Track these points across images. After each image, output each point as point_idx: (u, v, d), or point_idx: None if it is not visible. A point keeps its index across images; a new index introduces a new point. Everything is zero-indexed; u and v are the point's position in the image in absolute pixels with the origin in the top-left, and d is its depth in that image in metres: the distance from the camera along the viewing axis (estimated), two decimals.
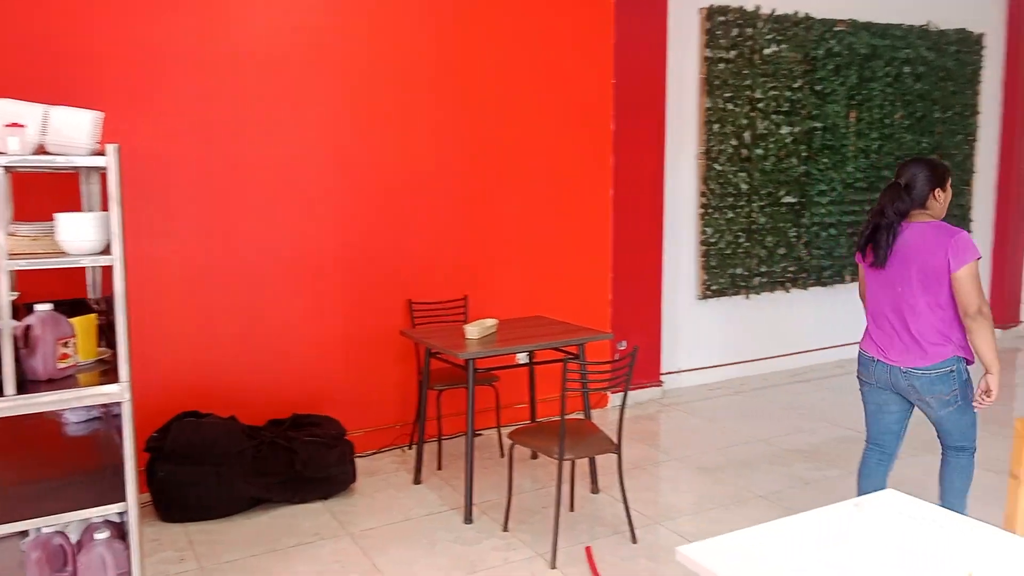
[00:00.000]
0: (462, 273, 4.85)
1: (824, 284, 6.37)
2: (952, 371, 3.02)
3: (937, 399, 3.06)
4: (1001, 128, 7.15)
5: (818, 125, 6.06)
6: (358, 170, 4.49)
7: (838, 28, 6.06)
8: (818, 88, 6.02)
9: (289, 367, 4.41)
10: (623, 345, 5.49)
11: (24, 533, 2.96)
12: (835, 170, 6.20)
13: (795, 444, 4.76)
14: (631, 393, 5.49)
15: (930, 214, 3.07)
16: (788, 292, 6.24)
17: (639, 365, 5.51)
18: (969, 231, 7.08)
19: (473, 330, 3.83)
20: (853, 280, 6.50)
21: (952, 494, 3.23)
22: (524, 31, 4.89)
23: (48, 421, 3.41)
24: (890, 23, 6.31)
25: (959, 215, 6.98)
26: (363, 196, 4.52)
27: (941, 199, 3.08)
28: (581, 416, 3.88)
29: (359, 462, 4.43)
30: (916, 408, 3.22)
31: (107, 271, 3.10)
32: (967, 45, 6.75)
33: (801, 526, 1.80)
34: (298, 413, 4.29)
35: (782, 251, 6.08)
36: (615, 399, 5.49)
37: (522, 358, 4.64)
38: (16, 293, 3.32)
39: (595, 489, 4.08)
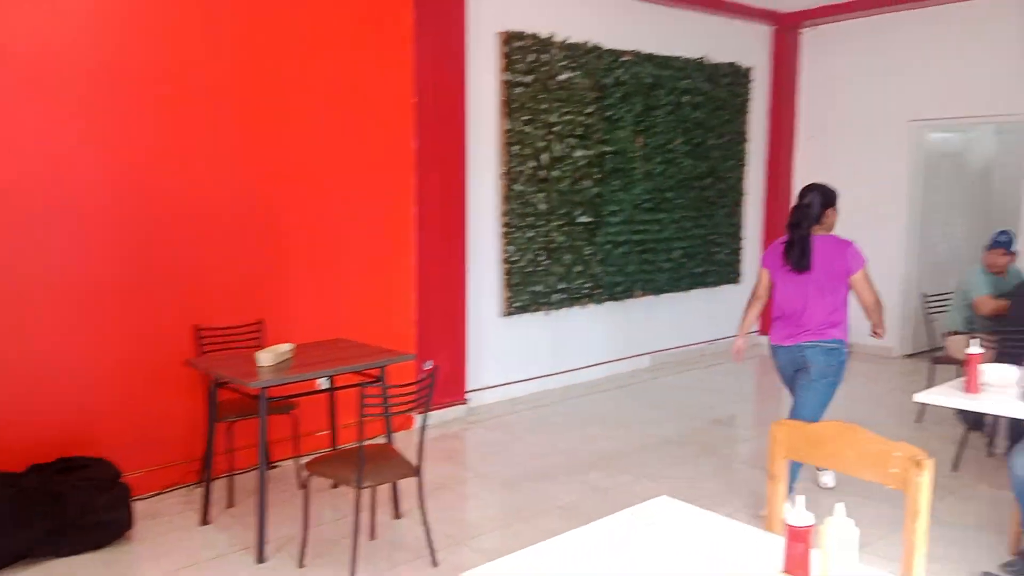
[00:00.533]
0: (256, 296, 4.60)
1: (617, 299, 6.71)
2: (836, 348, 3.84)
3: (819, 369, 3.84)
4: (767, 154, 7.94)
5: (609, 149, 6.40)
6: (136, 184, 4.13)
7: (625, 58, 6.45)
8: (608, 114, 6.36)
9: (55, 405, 3.96)
10: (429, 365, 5.46)
11: None
12: (624, 192, 6.58)
13: (590, 454, 4.95)
14: (437, 413, 5.50)
15: (824, 228, 3.90)
16: (585, 307, 6.51)
17: (444, 384, 5.54)
18: (740, 248, 7.79)
19: (265, 357, 3.64)
20: (644, 294, 6.91)
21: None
22: (322, 47, 4.76)
23: None
24: (671, 55, 6.82)
25: (731, 232, 7.65)
26: (143, 213, 4.17)
27: (831, 217, 3.93)
28: (384, 440, 3.79)
29: (140, 505, 4.06)
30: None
31: None
32: (738, 78, 7.44)
33: (580, 539, 1.84)
34: (65, 456, 3.86)
35: (579, 268, 6.35)
36: (419, 420, 5.43)
37: (322, 383, 4.47)
38: None
39: (397, 514, 4.01)
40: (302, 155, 4.75)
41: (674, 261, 7.11)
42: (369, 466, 3.29)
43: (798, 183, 8.00)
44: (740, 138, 7.56)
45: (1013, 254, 5.26)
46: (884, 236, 7.40)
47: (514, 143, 5.80)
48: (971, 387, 2.94)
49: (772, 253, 4.05)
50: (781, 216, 7.97)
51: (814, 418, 3.72)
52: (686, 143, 7.03)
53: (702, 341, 7.60)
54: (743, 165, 7.65)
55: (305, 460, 3.70)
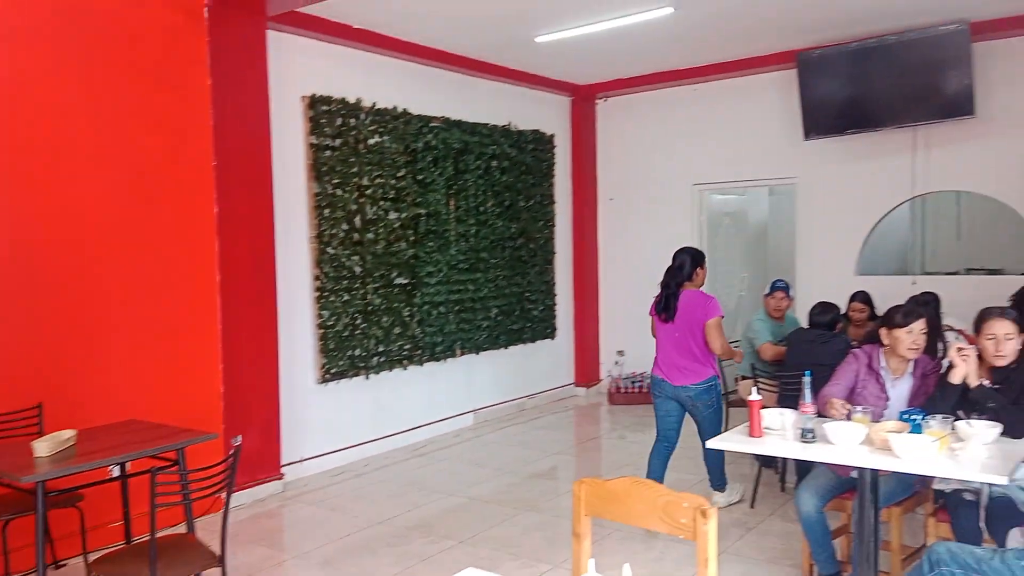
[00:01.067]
0: (34, 377, 4.17)
1: (437, 359, 6.73)
2: (712, 385, 4.69)
3: (703, 404, 4.68)
4: (573, 215, 8.37)
5: (422, 211, 6.49)
6: None
7: (434, 124, 6.61)
8: (420, 177, 6.46)
9: None
10: (238, 440, 5.16)
11: None
12: (440, 253, 6.67)
13: (413, 520, 4.86)
14: (250, 491, 5.20)
15: (694, 285, 4.70)
16: (405, 369, 6.47)
17: (257, 459, 5.26)
18: (554, 304, 8.10)
19: (42, 446, 3.28)
20: (464, 353, 6.98)
21: (714, 471, 4.91)
22: (115, 114, 4.49)
23: None
24: (478, 122, 7.08)
25: (545, 290, 7.95)
26: None
27: (700, 275, 4.73)
28: (183, 529, 3.51)
29: None
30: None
31: None
32: (541, 144, 7.84)
33: None
34: None
35: (397, 330, 6.31)
36: (231, 500, 5.10)
37: (115, 471, 4.10)
38: None
39: None
40: (94, 227, 4.42)
41: (491, 319, 7.26)
42: (164, 560, 3.03)
43: (603, 242, 8.50)
44: (548, 200, 7.93)
45: (791, 298, 5.84)
46: None
47: (324, 206, 5.73)
48: (754, 431, 3.20)
49: (653, 304, 4.85)
50: (590, 273, 8.41)
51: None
52: (497, 205, 7.27)
53: (522, 396, 7.77)
54: (552, 226, 8.01)
55: (94, 557, 3.35)
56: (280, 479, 5.45)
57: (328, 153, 5.76)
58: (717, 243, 8.18)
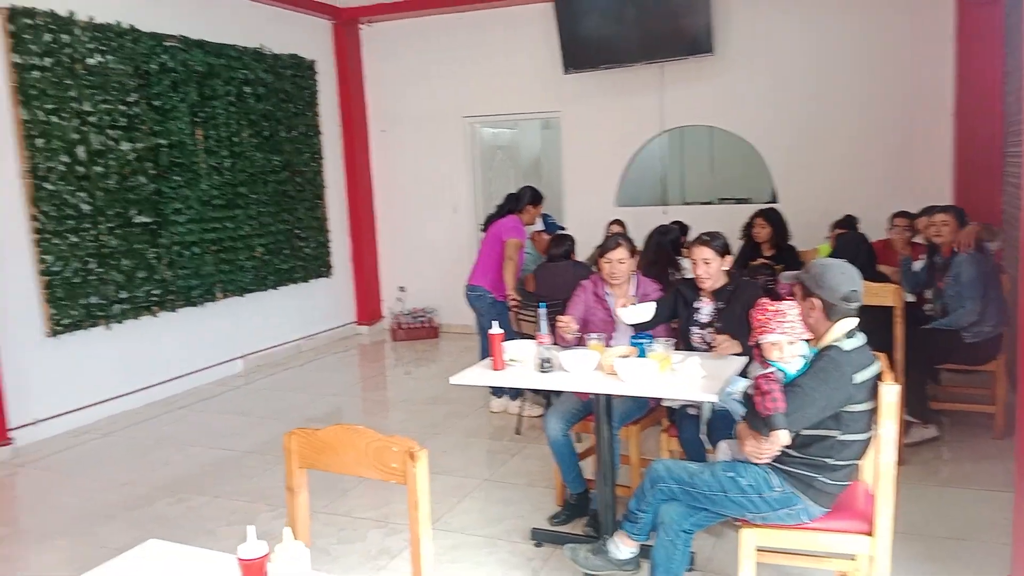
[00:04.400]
0: None
1: (195, 304, 6.23)
2: (480, 295, 5.39)
3: (476, 310, 5.46)
4: (343, 147, 8.00)
5: (163, 142, 5.86)
6: None
7: (169, 43, 5.92)
8: (157, 103, 5.80)
9: None
10: None
11: None
12: (189, 188, 6.10)
13: (163, 479, 4.51)
14: None
15: (523, 217, 5.43)
16: (156, 316, 5.93)
17: None
18: (328, 241, 7.77)
19: None
20: (225, 296, 6.52)
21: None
22: None
23: None
24: (224, 43, 6.45)
25: (316, 226, 7.60)
26: None
27: (531, 212, 5.47)
28: None
29: None
30: None
31: None
32: (301, 70, 7.33)
33: None
34: None
35: (142, 274, 5.74)
36: None
37: None
38: None
39: None
40: None
41: (257, 259, 6.82)
42: None
43: (378, 175, 8.24)
44: (313, 131, 7.50)
45: (550, 234, 5.97)
46: (455, 222, 7.98)
47: (37, 135, 4.99)
48: (496, 364, 3.21)
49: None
50: (365, 207, 8.15)
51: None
52: (254, 136, 6.75)
53: (298, 338, 7.45)
54: (320, 158, 7.61)
55: None
56: (9, 445, 4.84)
57: (36, 74, 4.98)
58: (491, 177, 8.21)
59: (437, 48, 7.76)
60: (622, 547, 2.91)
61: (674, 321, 3.71)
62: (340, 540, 3.67)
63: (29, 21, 4.93)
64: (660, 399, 3.59)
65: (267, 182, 6.90)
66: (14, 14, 4.86)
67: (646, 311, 3.45)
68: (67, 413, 5.34)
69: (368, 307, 8.27)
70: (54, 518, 4.05)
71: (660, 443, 3.64)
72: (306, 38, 7.46)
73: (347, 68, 7.88)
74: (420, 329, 7.87)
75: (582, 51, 6.88)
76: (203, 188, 6.23)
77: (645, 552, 2.90)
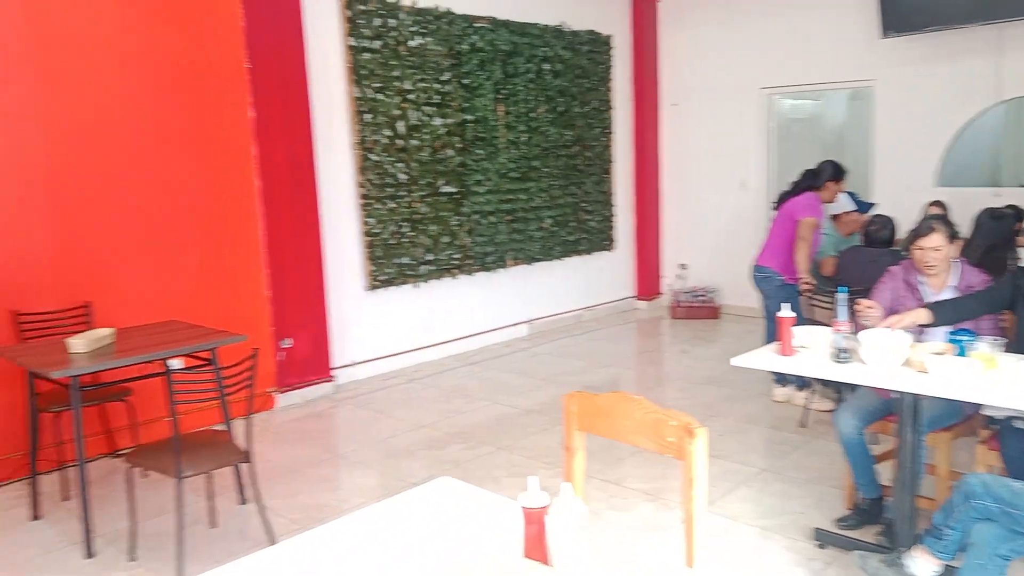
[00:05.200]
0: (81, 278, 4.32)
1: (488, 269, 6.68)
2: (767, 277, 5.09)
3: (762, 292, 5.18)
4: (634, 121, 8.01)
5: (469, 117, 6.31)
6: None
7: (479, 24, 6.34)
8: (466, 82, 6.26)
9: None
10: (288, 343, 5.30)
11: None
12: (489, 161, 6.52)
13: (454, 426, 4.92)
14: (302, 391, 5.36)
15: (822, 194, 5.03)
16: (455, 279, 6.45)
17: (307, 361, 5.40)
18: (612, 215, 7.87)
19: (78, 343, 3.40)
20: (516, 263, 6.90)
21: None
22: (146, 15, 4.45)
23: None
24: (527, 22, 6.75)
25: (602, 200, 7.73)
26: None
27: (831, 188, 5.03)
28: (222, 426, 3.63)
29: None
30: None
31: None
32: (597, 45, 7.44)
33: (342, 531, 1.79)
34: None
35: (446, 239, 6.27)
36: (283, 399, 5.30)
37: (175, 364, 4.25)
38: None
39: (242, 500, 3.87)
40: (134, 132, 4.46)
41: (545, 230, 7.12)
42: (191, 454, 3.15)
43: (666, 150, 8.15)
44: (605, 106, 7.60)
45: (862, 215, 5.47)
46: (744, 200, 7.64)
47: (366, 111, 5.63)
48: (784, 349, 3.03)
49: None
50: (651, 182, 8.11)
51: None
52: (550, 111, 7.01)
53: (580, 308, 7.68)
54: (610, 133, 7.70)
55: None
56: (331, 381, 5.59)
57: (367, 56, 5.61)
58: (788, 151, 7.72)
59: (737, 17, 7.43)
60: (922, 563, 2.61)
61: (1004, 317, 3.22)
62: (610, 507, 3.73)
63: (363, 7, 5.56)
64: (980, 406, 3.15)
65: (559, 156, 7.15)
66: (351, 1, 5.50)
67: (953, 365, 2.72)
68: (378, 359, 6.02)
69: (648, 282, 8.26)
70: (365, 449, 4.61)
71: (975, 455, 3.21)
72: (604, 13, 7.55)
73: (642, 42, 7.86)
74: (700, 308, 7.70)
75: (904, 12, 6.16)
76: (501, 161, 6.62)
77: (949, 573, 2.58)
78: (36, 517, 3.73)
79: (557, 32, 7.02)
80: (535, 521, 1.43)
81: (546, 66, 6.92)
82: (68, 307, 4.22)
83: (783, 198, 5.20)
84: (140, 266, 4.56)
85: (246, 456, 3.28)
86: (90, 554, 3.36)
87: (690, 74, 7.85)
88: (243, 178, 4.98)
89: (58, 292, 4.23)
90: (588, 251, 7.65)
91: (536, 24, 6.83)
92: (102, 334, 3.55)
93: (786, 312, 3.06)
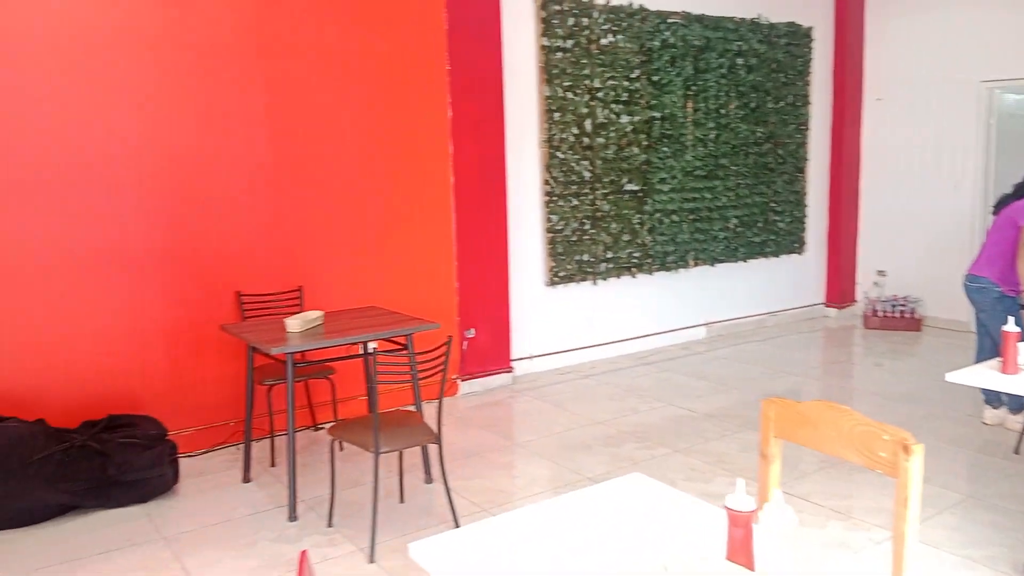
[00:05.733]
0: (295, 263, 4.72)
1: (668, 269, 6.59)
2: (984, 288, 4.49)
3: (977, 306, 4.58)
4: (832, 117, 7.58)
5: (657, 115, 6.24)
6: (176, 157, 4.28)
7: (672, 20, 6.25)
8: (655, 79, 6.19)
9: (104, 365, 4.18)
10: (471, 333, 5.51)
11: None
12: (675, 158, 6.41)
13: (630, 425, 4.91)
14: (482, 380, 5.56)
15: None
16: (634, 277, 6.42)
17: (488, 352, 5.59)
18: (804, 216, 7.50)
19: (294, 323, 3.73)
20: (696, 264, 6.76)
21: None
22: (353, 16, 4.78)
23: None
24: (722, 16, 6.57)
25: (794, 200, 7.38)
26: (184, 184, 4.32)
27: None
28: (413, 408, 3.85)
29: (186, 462, 4.27)
30: None
31: None
32: (796, 38, 7.10)
33: (536, 516, 1.84)
34: (114, 414, 4.08)
35: (627, 237, 6.25)
36: (465, 386, 5.51)
37: (370, 347, 4.58)
38: None
39: (428, 479, 4.08)
40: (342, 129, 4.81)
41: (730, 230, 6.91)
42: (388, 432, 3.35)
43: (867, 148, 7.64)
44: (801, 101, 7.24)
45: None
46: (955, 203, 7.01)
47: (555, 110, 5.72)
48: (1008, 367, 2.76)
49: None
50: (850, 182, 7.64)
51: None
52: (741, 107, 6.78)
53: (762, 312, 7.40)
54: (805, 129, 7.33)
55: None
56: (510, 372, 5.75)
57: (559, 55, 5.70)
58: (1009, 151, 7.00)
59: (956, 3, 6.82)
60: None
61: None
62: (800, 522, 3.58)
63: (558, 7, 5.65)
64: None
65: (748, 154, 6.91)
66: (547, 2, 5.61)
67: None
68: (554, 353, 6.12)
69: (840, 289, 7.79)
70: (542, 440, 4.70)
71: None
72: (805, 4, 7.20)
73: (845, 33, 7.40)
74: (899, 319, 7.16)
75: None
76: (687, 159, 6.50)
77: None
78: (247, 480, 4.12)
79: (753, 25, 6.78)
80: (741, 524, 1.40)
81: (739, 61, 6.71)
82: (283, 290, 4.64)
83: (1003, 202, 4.74)
84: (345, 255, 4.91)
85: (437, 438, 3.45)
86: (293, 517, 3.67)
87: (898, 66, 7.30)
88: (439, 175, 5.23)
89: (275, 276, 4.65)
90: (775, 253, 7.34)
91: (731, 18, 6.63)
92: (313, 316, 3.86)
93: (1011, 327, 2.79)
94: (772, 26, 6.91)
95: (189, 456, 4.37)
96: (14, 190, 3.88)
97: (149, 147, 4.21)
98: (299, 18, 4.60)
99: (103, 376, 4.18)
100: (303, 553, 1.50)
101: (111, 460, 3.73)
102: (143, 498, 3.84)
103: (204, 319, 4.43)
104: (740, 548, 1.41)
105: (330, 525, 3.61)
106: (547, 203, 5.83)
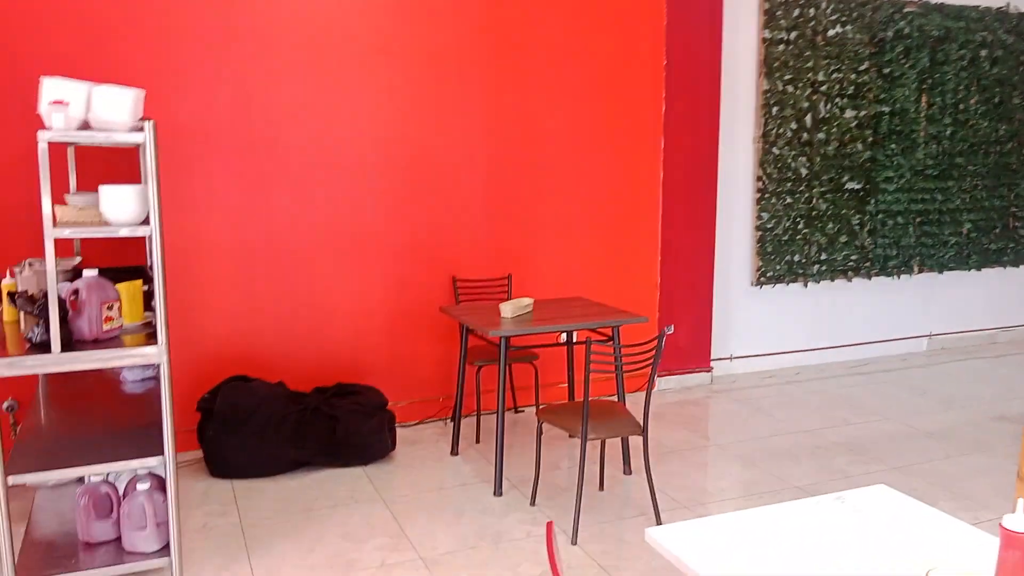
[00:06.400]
0: (506, 252, 4.92)
1: (889, 274, 6.15)
2: None
3: None
4: None
5: (885, 109, 5.84)
6: (402, 147, 4.59)
7: (908, 9, 5.80)
8: (886, 71, 5.78)
9: (335, 337, 4.58)
10: (671, 329, 5.45)
11: (81, 480, 3.22)
12: (903, 156, 5.97)
13: (841, 437, 4.66)
14: (680, 378, 5.51)
15: None
16: (850, 281, 6.06)
17: (688, 350, 5.52)
18: None
19: (508, 309, 3.90)
20: (921, 271, 6.26)
21: None
22: (571, 10, 4.88)
23: (109, 379, 3.69)
24: (965, 4, 6.01)
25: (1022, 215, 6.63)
26: (408, 173, 4.63)
27: None
28: (614, 398, 3.90)
29: (402, 432, 4.59)
30: None
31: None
32: None
33: (779, 516, 1.80)
34: (342, 382, 4.47)
35: (844, 238, 5.91)
36: (662, 383, 5.48)
37: (563, 337, 4.70)
38: (78, 258, 3.59)
39: (627, 471, 4.11)
40: (555, 122, 4.94)
41: (963, 235, 6.33)
42: (595, 420, 3.42)
43: None
44: None
45: None
46: None
47: (773, 104, 5.51)
48: None
49: None
50: None
51: None
52: (982, 103, 6.17)
53: (994, 327, 6.72)
54: None
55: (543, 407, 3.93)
56: (708, 372, 5.65)
57: (781, 48, 5.48)
58: None
59: None
60: None
61: None
62: None
63: None
64: None
65: (988, 153, 6.28)
66: None
67: None
68: (757, 355, 5.92)
69: None
70: (743, 443, 4.57)
71: None
72: None
73: None
74: None
75: None
76: (918, 157, 6.02)
77: None
78: (454, 453, 4.36)
79: (1001, 15, 6.14)
80: (1019, 547, 1.31)
81: (983, 52, 6.11)
82: (494, 277, 4.86)
83: None
84: (553, 245, 5.05)
85: (643, 430, 3.47)
86: (499, 492, 3.85)
87: None
88: (649, 169, 5.23)
89: (487, 264, 4.87)
90: (1014, 263, 6.63)
91: (975, 7, 6.05)
92: (524, 303, 4.01)
93: None
94: (1022, 15, 6.22)
95: (403, 426, 4.70)
96: (268, 170, 4.35)
97: (389, 142, 4.55)
98: (525, 18, 4.77)
99: (334, 346, 4.59)
100: (549, 524, 1.58)
101: (340, 424, 4.10)
102: (364, 461, 4.19)
103: (423, 300, 4.74)
104: (1013, 571, 1.32)
105: (533, 504, 3.75)
106: (758, 200, 5.64)
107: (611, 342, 3.91)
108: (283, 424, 4.02)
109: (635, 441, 4.20)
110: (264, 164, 4.32)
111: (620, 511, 3.69)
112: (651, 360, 3.36)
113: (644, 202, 5.25)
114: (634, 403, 4.65)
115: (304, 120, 4.36)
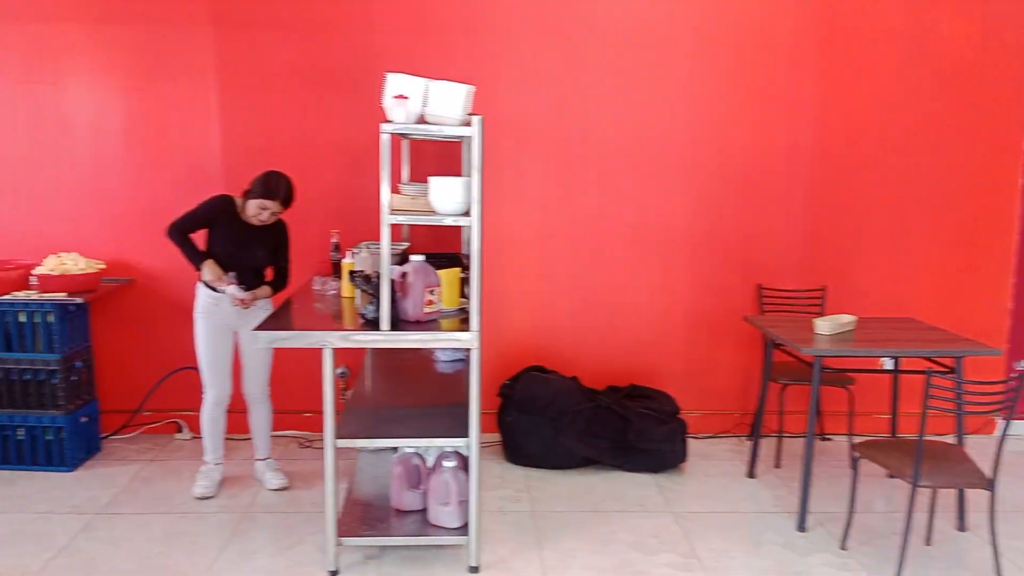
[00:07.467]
0: (819, 262, 4.47)
1: None
2: None
3: None
4: None
5: None
6: (711, 148, 4.36)
7: None
8: None
9: (629, 336, 4.49)
10: (1022, 365, 4.61)
11: (395, 449, 3.47)
12: None
13: None
14: None
15: None
16: None
17: None
18: None
19: (824, 325, 3.51)
20: None
21: None
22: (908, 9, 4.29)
23: (423, 357, 3.95)
24: None
25: None
26: (715, 174, 4.38)
27: None
28: (951, 440, 3.34)
29: (693, 443, 4.38)
30: None
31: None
32: None
33: None
34: (635, 384, 4.37)
35: None
36: (1001, 427, 4.64)
37: (887, 363, 4.15)
38: (406, 243, 3.86)
39: (961, 526, 3.51)
40: (882, 122, 4.38)
41: None
42: (930, 464, 2.94)
43: None
44: None
45: None
46: None
47: None
48: None
49: None
50: None
51: None
52: None
53: None
54: None
55: (858, 440, 3.49)
56: None
57: None
58: None
59: None
60: None
61: None
62: None
63: None
64: None
65: None
66: None
67: None
68: None
69: None
70: None
71: None
72: None
73: None
74: None
75: None
76: None
77: None
78: (751, 475, 4.04)
79: None
80: None
81: None
82: (806, 288, 4.43)
83: None
84: (878, 257, 4.49)
85: (990, 484, 2.91)
86: (802, 528, 3.47)
87: None
88: (1005, 176, 4.43)
89: (798, 273, 4.46)
90: None
91: None
92: (845, 320, 3.58)
93: None
94: None
95: (694, 437, 4.48)
96: (578, 165, 4.36)
97: (700, 140, 4.35)
98: (860, 20, 4.29)
99: (628, 345, 4.50)
100: None
101: (631, 426, 4.00)
102: (654, 468, 4.04)
103: (724, 308, 4.47)
104: None
105: (843, 548, 3.33)
106: None
107: (952, 374, 3.35)
108: (576, 419, 4.01)
109: (971, 493, 3.57)
110: (573, 160, 4.34)
111: (952, 571, 3.15)
112: (1004, 402, 2.80)
113: (997, 213, 4.47)
114: (971, 447, 3.97)
115: (614, 116, 4.31)
